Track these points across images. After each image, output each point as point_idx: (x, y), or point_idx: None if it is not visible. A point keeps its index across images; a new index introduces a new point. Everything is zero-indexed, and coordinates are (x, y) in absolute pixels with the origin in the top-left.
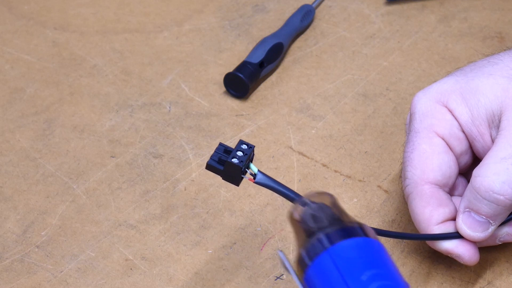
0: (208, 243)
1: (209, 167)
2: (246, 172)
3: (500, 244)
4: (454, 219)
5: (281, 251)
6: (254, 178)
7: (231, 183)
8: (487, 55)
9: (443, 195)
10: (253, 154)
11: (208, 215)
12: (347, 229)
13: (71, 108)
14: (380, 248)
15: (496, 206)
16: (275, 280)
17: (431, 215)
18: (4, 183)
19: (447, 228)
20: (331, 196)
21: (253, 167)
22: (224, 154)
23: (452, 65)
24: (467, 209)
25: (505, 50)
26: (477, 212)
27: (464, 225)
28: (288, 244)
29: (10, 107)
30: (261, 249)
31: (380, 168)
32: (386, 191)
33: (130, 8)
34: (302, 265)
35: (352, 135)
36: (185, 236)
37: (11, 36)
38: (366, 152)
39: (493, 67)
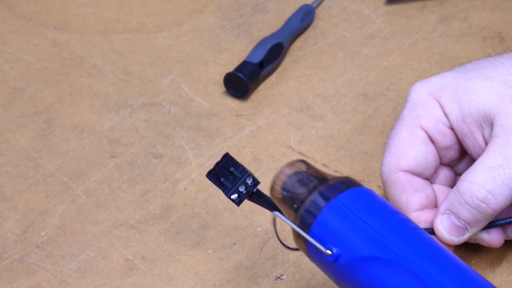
0: (208, 243)
1: (210, 178)
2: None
3: (500, 245)
4: (433, 204)
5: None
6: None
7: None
8: (488, 55)
9: (418, 180)
10: (257, 189)
11: (208, 215)
12: (342, 182)
13: (71, 108)
14: (376, 194)
15: (477, 213)
16: (275, 280)
17: (408, 201)
18: (4, 183)
19: (427, 217)
20: (303, 161)
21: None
22: (229, 176)
23: (452, 65)
24: (447, 211)
25: (508, 53)
26: (457, 216)
27: (442, 227)
28: (288, 244)
29: (10, 107)
30: (261, 249)
31: (380, 168)
32: None
33: (130, 8)
34: (304, 224)
35: (352, 135)
36: (185, 236)
37: (11, 36)
38: (366, 152)
39: (493, 70)
